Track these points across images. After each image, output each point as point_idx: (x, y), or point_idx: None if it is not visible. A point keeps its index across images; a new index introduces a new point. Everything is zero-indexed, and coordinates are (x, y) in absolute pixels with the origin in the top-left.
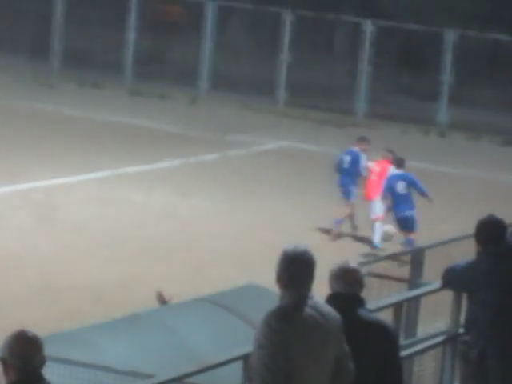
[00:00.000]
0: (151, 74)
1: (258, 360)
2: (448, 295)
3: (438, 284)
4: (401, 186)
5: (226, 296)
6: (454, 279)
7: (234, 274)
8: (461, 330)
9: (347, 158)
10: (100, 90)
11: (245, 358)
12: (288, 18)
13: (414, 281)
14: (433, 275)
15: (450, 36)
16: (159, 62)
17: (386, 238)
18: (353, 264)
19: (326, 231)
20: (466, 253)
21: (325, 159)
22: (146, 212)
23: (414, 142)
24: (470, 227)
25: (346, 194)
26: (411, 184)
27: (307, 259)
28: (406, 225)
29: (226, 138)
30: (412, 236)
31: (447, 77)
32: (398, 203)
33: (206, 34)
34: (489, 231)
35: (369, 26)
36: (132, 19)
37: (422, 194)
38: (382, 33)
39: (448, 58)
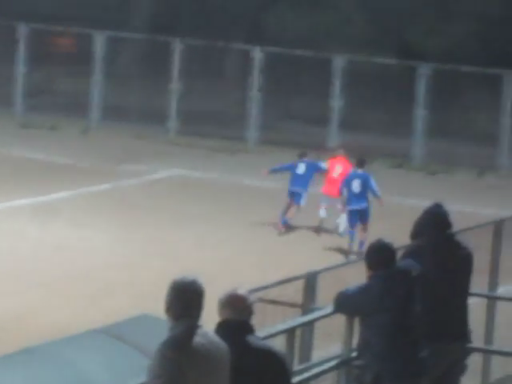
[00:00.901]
0: (41, 106)
1: None
2: (342, 319)
3: (330, 308)
4: (356, 184)
5: (120, 326)
6: (346, 303)
7: (127, 304)
8: (354, 354)
9: (302, 165)
10: None
11: None
12: (177, 46)
13: (307, 306)
14: (326, 300)
15: (339, 61)
16: (49, 94)
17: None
18: (241, 291)
19: (222, 259)
20: (358, 277)
21: (216, 186)
22: (39, 244)
23: None
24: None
25: (297, 198)
26: (366, 183)
27: (196, 289)
28: (360, 215)
29: (118, 167)
30: (365, 235)
31: (337, 102)
32: (351, 198)
33: (96, 64)
34: (379, 255)
35: (258, 53)
36: (21, 51)
37: (375, 194)
38: (272, 59)
39: (337, 83)
